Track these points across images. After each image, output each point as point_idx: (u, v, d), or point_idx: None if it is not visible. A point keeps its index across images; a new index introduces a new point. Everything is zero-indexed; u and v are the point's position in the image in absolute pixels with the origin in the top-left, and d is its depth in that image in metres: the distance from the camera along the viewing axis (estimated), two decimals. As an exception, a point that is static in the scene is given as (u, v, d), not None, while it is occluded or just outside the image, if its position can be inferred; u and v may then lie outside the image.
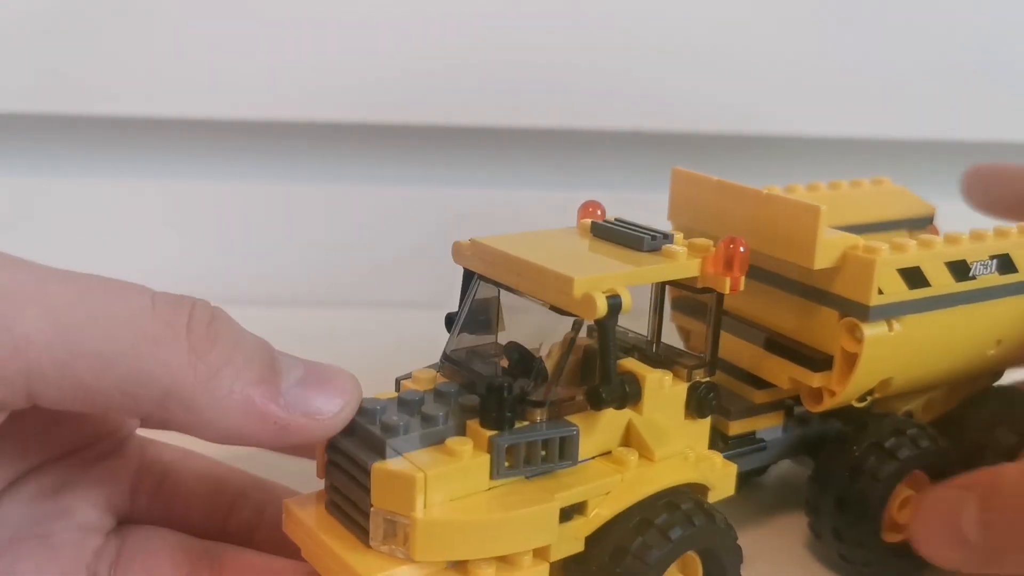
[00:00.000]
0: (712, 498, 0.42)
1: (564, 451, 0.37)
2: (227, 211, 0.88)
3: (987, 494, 0.42)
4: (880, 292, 0.44)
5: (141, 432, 0.44)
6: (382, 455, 0.36)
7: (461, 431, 0.37)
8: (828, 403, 0.46)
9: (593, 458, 0.40)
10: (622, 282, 0.38)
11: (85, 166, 0.88)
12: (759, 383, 0.49)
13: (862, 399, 0.48)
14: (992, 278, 0.47)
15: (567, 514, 0.37)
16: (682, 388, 0.42)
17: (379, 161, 0.89)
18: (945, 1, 0.82)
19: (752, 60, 0.83)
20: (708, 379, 0.42)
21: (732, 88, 0.83)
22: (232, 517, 0.44)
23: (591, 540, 0.38)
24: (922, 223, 0.61)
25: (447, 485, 0.35)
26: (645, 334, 0.45)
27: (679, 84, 0.83)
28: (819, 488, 0.48)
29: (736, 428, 0.49)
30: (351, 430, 0.37)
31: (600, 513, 0.38)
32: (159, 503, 0.43)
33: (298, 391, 0.35)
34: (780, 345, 0.48)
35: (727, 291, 0.40)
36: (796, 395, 0.49)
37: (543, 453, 0.37)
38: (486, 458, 0.36)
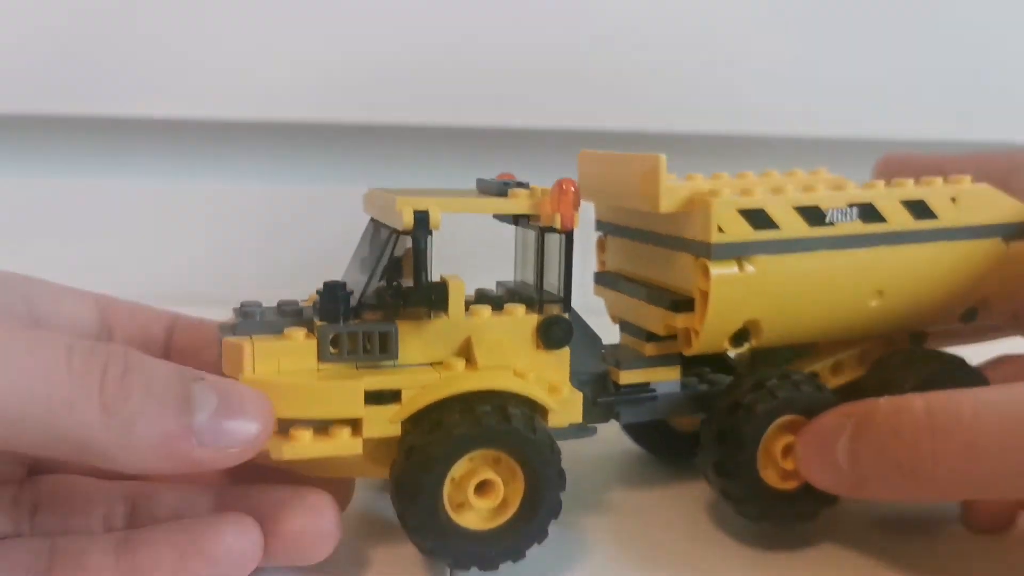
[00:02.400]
0: (554, 421, 0.46)
1: (385, 346, 0.43)
2: (227, 211, 0.90)
3: (860, 424, 0.45)
4: (720, 231, 0.47)
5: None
6: (232, 333, 0.43)
7: (308, 327, 0.44)
8: (696, 344, 0.50)
9: (430, 364, 0.45)
10: (441, 207, 0.43)
11: (85, 166, 0.91)
12: (655, 339, 0.53)
13: (738, 344, 0.50)
14: (854, 226, 0.49)
15: (381, 398, 0.43)
16: (532, 319, 0.47)
17: (379, 161, 0.92)
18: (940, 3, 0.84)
19: (748, 62, 0.86)
20: (559, 313, 0.47)
21: (730, 89, 0.87)
22: None
23: None
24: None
25: (275, 359, 0.42)
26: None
27: (672, 85, 0.87)
28: (704, 426, 0.51)
29: (627, 378, 0.52)
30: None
31: (415, 402, 0.43)
32: None
33: (212, 424, 0.37)
34: (657, 296, 0.51)
35: (558, 227, 0.45)
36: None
37: (367, 347, 0.43)
38: (314, 342, 0.43)
